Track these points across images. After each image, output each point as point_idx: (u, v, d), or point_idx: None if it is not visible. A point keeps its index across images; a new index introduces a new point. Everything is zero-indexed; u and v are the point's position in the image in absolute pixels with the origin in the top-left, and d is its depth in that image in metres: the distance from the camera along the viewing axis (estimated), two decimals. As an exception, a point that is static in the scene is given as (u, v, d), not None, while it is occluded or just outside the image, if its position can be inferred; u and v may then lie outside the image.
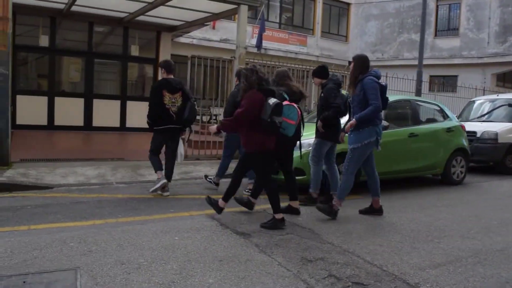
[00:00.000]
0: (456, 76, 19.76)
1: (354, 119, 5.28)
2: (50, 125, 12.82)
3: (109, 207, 5.57)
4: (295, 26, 21.84)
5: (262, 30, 16.69)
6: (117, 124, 13.84)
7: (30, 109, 12.39)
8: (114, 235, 4.38)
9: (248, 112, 4.79)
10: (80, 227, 4.67)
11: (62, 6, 11.64)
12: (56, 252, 3.85)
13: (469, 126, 9.91)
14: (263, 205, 5.92)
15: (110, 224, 4.83)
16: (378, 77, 5.37)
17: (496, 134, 10.13)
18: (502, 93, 14.23)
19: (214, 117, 12.53)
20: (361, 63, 5.41)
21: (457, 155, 8.42)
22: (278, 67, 11.56)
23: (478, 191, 8.09)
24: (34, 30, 12.99)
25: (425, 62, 14.36)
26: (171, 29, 14.21)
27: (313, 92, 12.15)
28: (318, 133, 6.04)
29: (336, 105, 5.80)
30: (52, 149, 9.89)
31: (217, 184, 6.96)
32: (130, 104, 13.91)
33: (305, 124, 5.74)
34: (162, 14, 11.97)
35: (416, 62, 13.99)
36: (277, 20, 21.29)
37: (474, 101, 12.25)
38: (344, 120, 6.11)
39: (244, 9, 9.68)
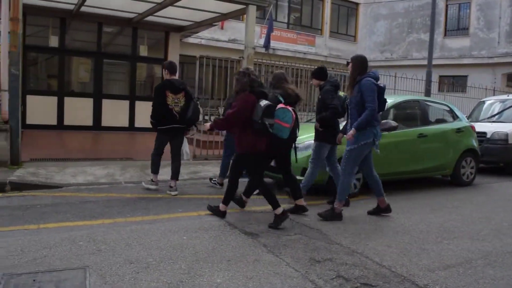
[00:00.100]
0: (466, 76, 19.61)
1: (353, 129, 5.23)
2: (60, 125, 12.91)
3: (118, 207, 5.59)
4: (303, 26, 21.78)
5: (270, 30, 16.70)
6: (126, 124, 13.90)
7: (40, 109, 12.48)
8: (123, 234, 4.40)
9: (240, 113, 4.89)
10: (89, 226, 4.70)
11: (71, 7, 11.71)
12: (66, 251, 3.88)
13: (479, 127, 9.82)
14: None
15: (119, 223, 4.85)
16: (376, 78, 5.32)
17: (507, 135, 10.04)
18: (513, 93, 14.09)
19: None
20: (359, 64, 5.36)
21: (467, 156, 8.35)
22: (286, 67, 11.59)
23: (488, 192, 8.02)
24: (44, 31, 13.08)
25: (434, 62, 14.26)
26: (180, 29, 14.25)
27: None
28: (317, 136, 6.06)
29: (333, 106, 5.82)
30: (61, 149, 9.96)
31: (221, 185, 7.00)
32: (138, 104, 13.97)
33: (306, 125, 5.76)
34: (170, 15, 12.00)
35: (425, 62, 13.91)
36: (286, 20, 21.26)
37: (484, 102, 12.15)
38: (342, 122, 6.11)
39: (252, 9, 9.67)
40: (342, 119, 6.14)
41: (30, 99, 12.26)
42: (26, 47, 11.69)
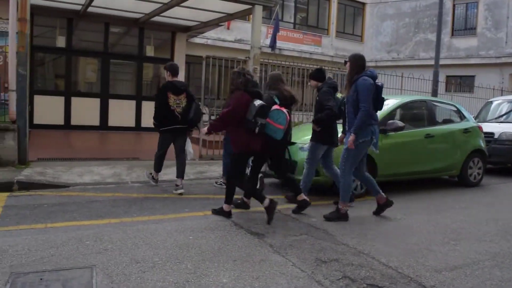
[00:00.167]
0: (473, 76, 19.49)
1: (352, 135, 5.21)
2: (67, 125, 12.98)
3: (124, 206, 5.61)
4: (309, 26, 21.76)
5: (276, 30, 16.68)
6: (132, 124, 13.95)
7: (47, 109, 12.55)
8: (129, 234, 4.42)
9: (234, 112, 4.96)
10: (95, 226, 4.71)
11: (78, 7, 11.77)
12: (72, 250, 3.90)
13: (487, 127, 9.76)
14: (278, 205, 5.90)
15: (125, 223, 4.87)
16: (374, 77, 5.28)
17: (515, 135, 9.96)
18: (521, 93, 14.00)
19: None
20: (356, 63, 5.33)
21: (474, 157, 8.29)
22: (292, 68, 11.58)
23: (495, 193, 7.96)
24: (51, 31, 13.16)
25: (441, 62, 14.18)
26: (186, 29, 14.28)
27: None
28: (313, 137, 6.07)
29: (329, 107, 5.82)
30: (68, 149, 10.02)
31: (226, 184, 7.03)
32: (145, 104, 14.00)
33: (308, 126, 5.80)
34: (177, 15, 12.03)
35: (432, 62, 13.85)
36: (292, 20, 21.24)
37: (491, 102, 12.06)
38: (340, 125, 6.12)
39: (258, 9, 9.67)
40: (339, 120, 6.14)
41: (37, 99, 12.34)
42: (34, 47, 11.75)
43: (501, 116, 11.19)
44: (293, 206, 5.91)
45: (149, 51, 14.32)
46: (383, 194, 5.71)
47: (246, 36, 16.69)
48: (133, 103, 14.02)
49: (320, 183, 6.46)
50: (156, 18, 12.60)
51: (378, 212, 5.72)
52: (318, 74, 6.15)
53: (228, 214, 5.25)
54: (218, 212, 5.33)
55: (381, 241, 4.59)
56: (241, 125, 5.00)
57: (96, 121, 13.42)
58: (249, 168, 6.09)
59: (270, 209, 5.04)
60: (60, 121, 12.89)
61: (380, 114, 7.11)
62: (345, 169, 5.36)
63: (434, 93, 13.03)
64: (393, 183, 7.64)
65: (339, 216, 5.34)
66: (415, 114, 8.18)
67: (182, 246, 4.12)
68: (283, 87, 5.68)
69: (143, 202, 5.91)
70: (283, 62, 11.08)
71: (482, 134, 8.62)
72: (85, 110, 13.15)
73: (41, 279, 3.26)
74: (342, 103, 5.84)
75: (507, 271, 3.87)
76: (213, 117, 10.58)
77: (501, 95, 15.32)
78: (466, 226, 5.36)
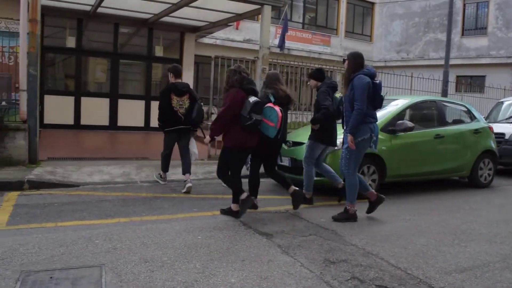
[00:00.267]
0: (483, 76, 19.33)
1: (349, 135, 5.19)
2: (77, 125, 13.06)
3: (133, 206, 5.64)
4: (318, 26, 21.72)
5: (285, 30, 16.68)
6: (141, 124, 14.01)
7: (58, 109, 12.64)
8: (138, 233, 4.44)
9: (230, 109, 5.05)
10: (105, 225, 4.74)
11: (88, 8, 11.84)
12: (82, 249, 3.92)
13: (497, 128, 9.67)
14: (286, 205, 5.91)
15: (134, 222, 4.89)
16: (372, 75, 5.22)
17: (526, 136, 9.86)
18: (532, 93, 13.85)
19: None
20: (353, 61, 5.29)
21: (485, 157, 8.22)
22: (301, 67, 11.56)
23: (506, 195, 7.89)
24: (62, 32, 13.25)
25: (451, 62, 14.08)
26: (195, 29, 14.31)
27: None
28: (312, 135, 6.08)
29: (324, 106, 5.83)
30: (78, 148, 10.09)
31: None
32: (154, 104, 13.98)
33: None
34: (186, 15, 12.05)
35: (442, 62, 13.74)
36: (301, 20, 21.21)
37: (502, 102, 11.95)
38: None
39: (267, 9, 9.66)
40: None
41: (47, 99, 12.43)
42: (44, 48, 11.86)
43: (512, 116, 11.08)
44: (300, 206, 5.91)
45: (158, 51, 14.36)
46: (372, 190, 5.69)
47: (255, 36, 16.69)
48: (142, 103, 14.07)
49: (326, 183, 6.43)
50: (165, 19, 12.64)
51: (370, 210, 5.66)
52: (318, 74, 6.19)
53: (236, 214, 5.26)
54: (227, 212, 5.34)
55: (390, 242, 4.56)
56: (237, 122, 5.07)
57: (105, 121, 13.49)
58: (247, 166, 6.18)
59: (245, 204, 5.23)
60: (70, 121, 12.98)
61: (389, 114, 7.13)
62: (349, 169, 5.33)
63: (444, 93, 12.93)
64: (402, 184, 7.60)
65: (348, 217, 5.32)
66: (425, 114, 8.13)
67: (190, 246, 4.13)
68: (279, 86, 5.73)
69: (152, 201, 5.93)
70: (291, 62, 11.07)
71: (492, 135, 8.54)
72: (95, 110, 13.23)
73: (51, 277, 3.28)
74: (341, 103, 5.82)
75: (518, 273, 3.84)
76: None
77: (512, 95, 15.18)
78: (477, 227, 5.31)
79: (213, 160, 9.41)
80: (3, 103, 9.57)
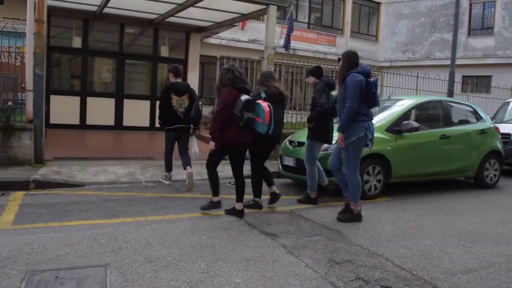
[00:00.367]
0: (490, 77, 19.21)
1: (340, 134, 5.21)
2: (82, 125, 13.11)
3: (138, 206, 5.66)
4: (324, 26, 21.67)
5: (290, 30, 16.66)
6: (146, 124, 14.04)
7: (63, 108, 12.69)
8: (143, 233, 4.45)
9: (225, 108, 5.11)
10: (110, 225, 4.76)
11: (94, 8, 11.88)
12: (87, 248, 3.94)
13: (504, 128, 9.61)
14: (291, 205, 5.91)
15: (139, 222, 4.90)
16: (366, 73, 5.18)
17: (532, 136, 9.79)
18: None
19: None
20: (347, 59, 5.27)
21: (491, 158, 8.17)
22: (306, 68, 11.54)
23: (512, 195, 7.85)
24: (68, 32, 13.31)
25: (457, 62, 13.99)
26: (200, 30, 14.33)
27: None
28: (310, 135, 6.08)
29: (319, 104, 5.85)
30: (83, 148, 10.13)
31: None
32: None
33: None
34: (191, 15, 12.07)
35: (448, 62, 13.67)
36: (306, 20, 21.18)
37: (509, 102, 11.87)
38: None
39: (273, 9, 9.66)
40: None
41: (53, 99, 12.49)
42: (50, 48, 11.90)
43: (519, 117, 11.01)
44: (304, 206, 5.92)
45: (164, 52, 14.40)
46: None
47: (260, 36, 16.68)
48: (147, 103, 14.10)
49: (333, 183, 6.42)
50: (171, 19, 12.67)
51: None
52: (316, 71, 6.22)
53: (240, 213, 5.28)
54: (231, 212, 5.35)
55: (395, 243, 4.55)
56: (230, 120, 5.13)
57: (111, 121, 13.54)
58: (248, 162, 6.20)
59: (213, 206, 5.41)
60: (76, 120, 13.03)
61: (395, 114, 7.11)
62: (350, 169, 5.31)
63: (450, 93, 12.87)
64: (407, 184, 7.58)
65: (353, 217, 5.31)
66: (431, 114, 8.10)
67: (195, 246, 4.14)
68: (272, 83, 5.78)
69: (157, 201, 5.95)
70: (297, 62, 11.07)
71: (498, 135, 8.49)
72: (100, 110, 13.28)
73: (56, 277, 3.30)
74: (337, 101, 5.80)
75: (524, 274, 3.81)
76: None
77: (519, 95, 15.09)
78: (482, 228, 5.29)
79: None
80: (10, 103, 9.65)
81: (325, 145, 6.23)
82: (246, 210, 5.44)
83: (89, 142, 11.54)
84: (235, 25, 15.06)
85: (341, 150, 5.35)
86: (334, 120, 6.15)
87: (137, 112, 13.86)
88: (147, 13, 12.40)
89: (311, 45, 20.41)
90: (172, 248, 4.04)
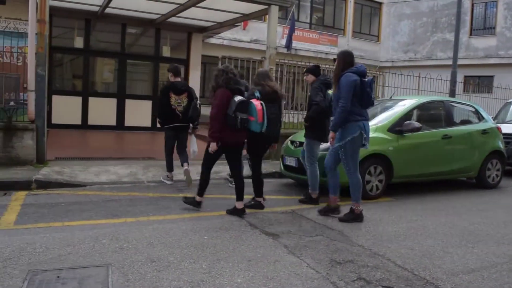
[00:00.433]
0: (492, 77, 19.18)
1: (332, 132, 5.26)
2: (84, 125, 13.13)
3: (140, 206, 5.66)
4: (325, 26, 21.66)
5: (292, 30, 16.64)
6: (148, 124, 14.05)
7: (65, 109, 12.70)
8: (145, 233, 4.46)
9: (220, 110, 5.16)
10: (112, 225, 4.76)
11: (96, 9, 11.90)
12: (89, 248, 3.94)
13: (506, 128, 9.59)
14: (293, 206, 5.91)
15: (141, 222, 4.91)
16: (361, 73, 5.18)
17: (534, 136, 9.77)
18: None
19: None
20: (342, 59, 5.28)
21: (493, 158, 8.16)
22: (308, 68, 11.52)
23: (514, 195, 7.83)
24: (70, 32, 13.32)
25: (459, 62, 13.98)
26: (202, 30, 14.33)
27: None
28: (308, 134, 6.08)
29: (315, 103, 5.87)
30: (85, 148, 10.14)
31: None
32: (161, 105, 14.09)
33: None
34: (193, 15, 12.08)
35: (450, 62, 13.66)
36: (308, 20, 21.17)
37: (511, 102, 11.85)
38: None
39: (274, 9, 9.66)
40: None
41: (55, 99, 12.50)
42: (52, 48, 11.91)
43: (521, 117, 10.99)
44: (306, 207, 5.92)
45: (166, 52, 14.40)
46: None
47: (262, 36, 16.67)
48: (149, 103, 14.11)
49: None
50: (173, 19, 12.67)
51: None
52: (315, 70, 6.23)
53: (241, 212, 5.30)
54: (232, 211, 5.36)
55: (396, 243, 4.55)
56: (225, 121, 5.17)
57: (112, 121, 13.55)
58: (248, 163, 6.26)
59: (194, 204, 5.52)
60: (78, 121, 13.04)
61: (396, 114, 7.11)
62: (350, 168, 5.31)
63: (452, 93, 12.86)
64: (409, 184, 7.57)
65: (354, 217, 5.31)
66: (433, 114, 8.09)
67: (197, 246, 4.14)
68: (267, 82, 5.79)
69: (158, 201, 5.95)
70: (298, 62, 11.06)
71: (500, 135, 8.48)
72: (102, 110, 13.30)
73: (58, 277, 3.30)
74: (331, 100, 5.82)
75: (526, 274, 3.81)
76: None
77: (521, 95, 15.06)
78: (484, 228, 5.28)
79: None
80: (12, 103, 9.66)
81: (325, 145, 6.21)
82: (247, 210, 5.44)
83: (91, 142, 11.56)
84: (237, 25, 15.06)
85: (338, 151, 5.35)
86: (331, 119, 6.15)
87: (139, 112, 13.86)
88: (149, 13, 12.41)
89: (313, 45, 20.39)
90: (173, 248, 4.04)
